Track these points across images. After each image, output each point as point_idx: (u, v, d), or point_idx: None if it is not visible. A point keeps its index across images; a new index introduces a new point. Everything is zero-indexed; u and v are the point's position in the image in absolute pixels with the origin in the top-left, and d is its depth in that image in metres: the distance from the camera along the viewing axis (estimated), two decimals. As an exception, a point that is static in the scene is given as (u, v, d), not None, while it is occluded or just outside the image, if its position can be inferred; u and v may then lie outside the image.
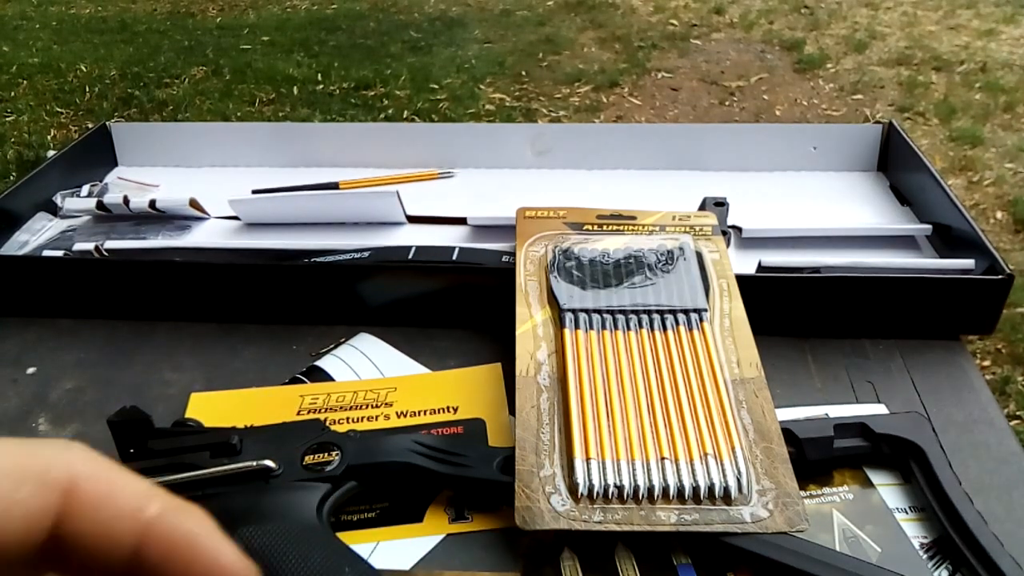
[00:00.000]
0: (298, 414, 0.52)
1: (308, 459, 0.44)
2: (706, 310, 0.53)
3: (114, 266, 0.62)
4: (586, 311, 0.53)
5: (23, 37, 3.41)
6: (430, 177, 0.81)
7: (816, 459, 0.46)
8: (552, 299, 0.54)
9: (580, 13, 3.55)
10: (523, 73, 2.93)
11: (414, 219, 0.72)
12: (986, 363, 1.52)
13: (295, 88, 2.81)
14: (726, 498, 0.42)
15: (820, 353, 0.57)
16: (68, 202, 0.74)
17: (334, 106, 2.69)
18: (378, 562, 0.43)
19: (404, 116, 2.60)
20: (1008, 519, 0.44)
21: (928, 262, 0.62)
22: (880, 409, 0.52)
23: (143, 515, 0.18)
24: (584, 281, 0.55)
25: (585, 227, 0.61)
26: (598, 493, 0.42)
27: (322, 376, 0.56)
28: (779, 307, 0.57)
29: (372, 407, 0.53)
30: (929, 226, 0.67)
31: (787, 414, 0.50)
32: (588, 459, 0.43)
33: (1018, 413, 1.41)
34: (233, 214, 0.73)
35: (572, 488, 0.42)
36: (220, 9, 3.78)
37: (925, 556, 0.42)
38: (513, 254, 0.60)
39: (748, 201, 0.72)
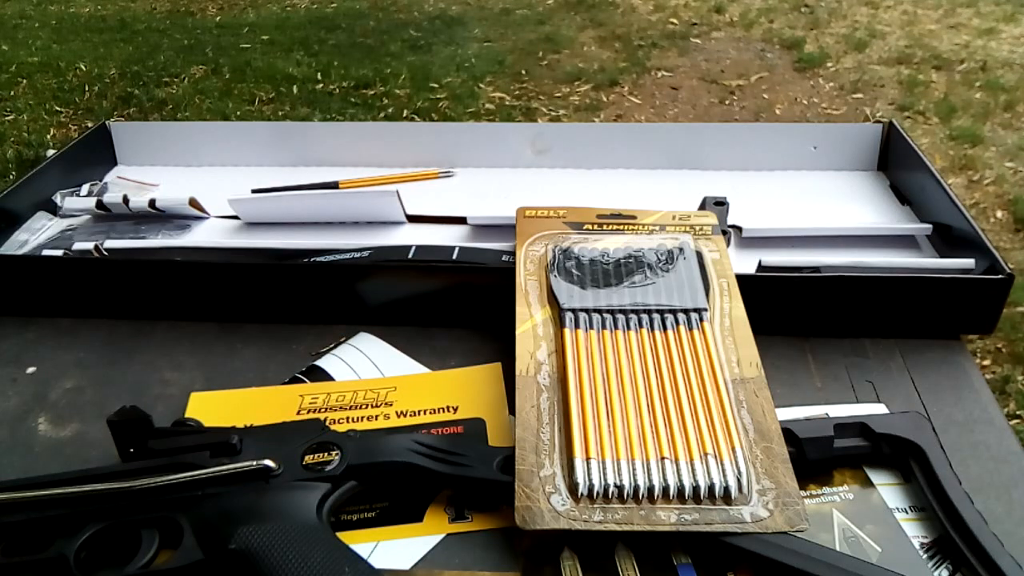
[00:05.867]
0: (298, 414, 0.52)
1: (308, 459, 0.44)
2: (706, 310, 0.53)
3: (114, 265, 0.62)
4: (586, 310, 0.53)
5: (22, 36, 3.41)
6: (430, 176, 0.81)
7: (816, 459, 0.46)
8: (552, 298, 0.54)
9: (580, 12, 3.54)
10: (523, 72, 2.93)
11: (414, 219, 0.72)
12: (986, 362, 1.52)
13: (295, 87, 2.81)
14: (726, 498, 0.42)
15: (820, 353, 0.57)
16: (68, 201, 0.74)
17: (334, 105, 2.69)
18: (378, 562, 0.43)
19: (404, 115, 2.59)
20: (1008, 519, 0.44)
21: (928, 262, 0.62)
22: (880, 409, 0.52)
23: None
24: (584, 280, 0.55)
25: (585, 227, 0.61)
26: (598, 493, 0.42)
27: (322, 376, 0.55)
28: (779, 307, 0.57)
29: (372, 407, 0.53)
30: (929, 226, 0.67)
31: (787, 414, 0.50)
32: (588, 459, 0.43)
33: (1018, 413, 1.41)
34: (233, 213, 0.73)
35: (572, 488, 0.42)
36: (220, 8, 3.77)
37: (925, 556, 0.42)
38: (513, 253, 0.60)
39: (748, 201, 0.72)
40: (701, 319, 0.52)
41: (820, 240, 0.67)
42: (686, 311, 0.53)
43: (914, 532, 0.43)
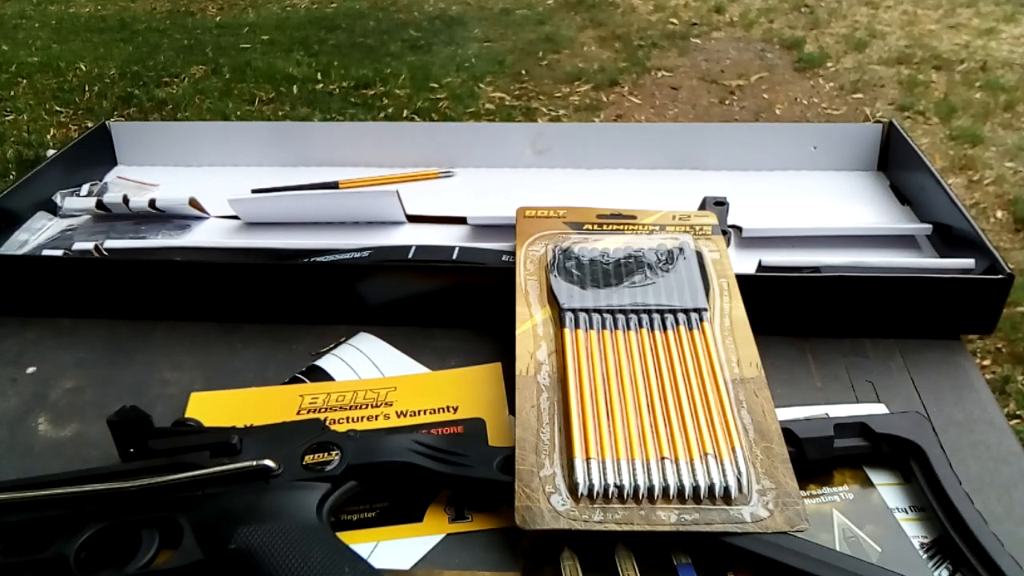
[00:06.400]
0: (298, 414, 0.52)
1: (308, 459, 0.44)
2: (706, 310, 0.53)
3: (114, 266, 0.62)
4: (586, 310, 0.53)
5: (22, 36, 3.41)
6: (430, 176, 0.81)
7: (816, 459, 0.46)
8: (552, 298, 0.54)
9: (580, 12, 3.54)
10: (523, 72, 2.93)
11: (414, 219, 0.72)
12: (986, 362, 1.52)
13: (295, 87, 2.81)
14: (726, 498, 0.42)
15: (820, 353, 0.57)
16: (68, 201, 0.74)
17: (334, 105, 2.69)
18: (378, 562, 0.43)
19: (404, 115, 2.59)
20: (1008, 519, 0.44)
21: (928, 262, 0.62)
22: (880, 409, 0.52)
23: None
24: (584, 280, 0.55)
25: (585, 227, 0.61)
26: (598, 493, 0.42)
27: (322, 376, 0.55)
28: (779, 307, 0.57)
29: (372, 407, 0.53)
30: (929, 226, 0.67)
31: (787, 414, 0.50)
32: (588, 459, 0.43)
33: (1018, 413, 1.41)
34: (233, 213, 0.73)
35: (572, 488, 0.42)
36: (220, 8, 3.77)
37: (925, 556, 0.42)
38: (513, 253, 0.60)
39: (748, 201, 0.72)
40: (701, 319, 0.52)
41: (820, 240, 0.67)
42: (686, 311, 0.53)
43: (914, 532, 0.43)
